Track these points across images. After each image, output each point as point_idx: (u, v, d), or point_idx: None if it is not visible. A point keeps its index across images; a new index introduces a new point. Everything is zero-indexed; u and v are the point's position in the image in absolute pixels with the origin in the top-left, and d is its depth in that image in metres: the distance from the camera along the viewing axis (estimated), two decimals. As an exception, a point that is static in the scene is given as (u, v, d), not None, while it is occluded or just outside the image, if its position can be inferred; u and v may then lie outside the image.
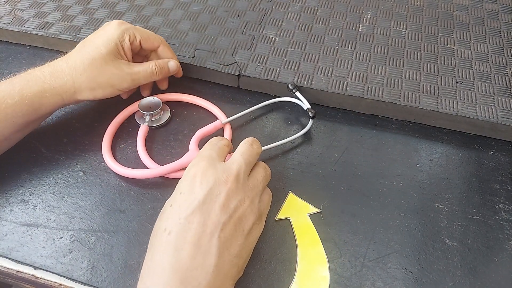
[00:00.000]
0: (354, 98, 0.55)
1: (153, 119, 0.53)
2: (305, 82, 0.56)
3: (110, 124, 0.52)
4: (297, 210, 0.46)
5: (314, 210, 0.47)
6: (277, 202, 0.47)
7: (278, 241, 0.44)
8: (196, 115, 0.56)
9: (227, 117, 0.53)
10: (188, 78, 0.59)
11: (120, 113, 0.53)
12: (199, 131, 0.51)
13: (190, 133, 0.53)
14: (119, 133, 0.53)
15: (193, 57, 0.58)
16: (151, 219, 0.46)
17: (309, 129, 0.52)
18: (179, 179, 0.41)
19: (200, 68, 0.58)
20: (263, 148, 0.46)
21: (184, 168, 0.47)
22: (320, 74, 0.56)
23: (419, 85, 0.55)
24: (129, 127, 0.54)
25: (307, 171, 0.50)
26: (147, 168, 0.48)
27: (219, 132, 0.54)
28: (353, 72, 0.57)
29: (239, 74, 0.57)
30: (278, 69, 0.57)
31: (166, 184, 0.49)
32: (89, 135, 0.53)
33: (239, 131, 0.54)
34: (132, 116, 0.55)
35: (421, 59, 0.59)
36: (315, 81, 0.56)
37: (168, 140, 0.52)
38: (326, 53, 0.60)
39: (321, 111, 0.57)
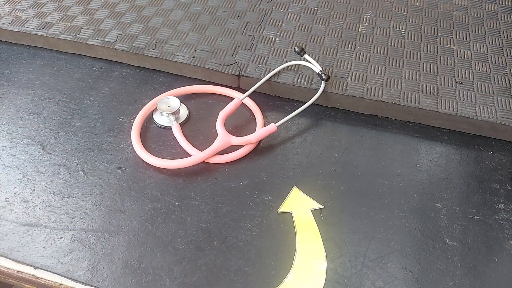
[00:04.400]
0: (354, 98, 0.55)
1: (177, 116, 0.54)
2: (305, 83, 0.56)
3: (133, 127, 0.53)
4: (300, 205, 0.46)
5: (317, 206, 0.46)
6: (280, 195, 0.47)
7: (278, 234, 0.44)
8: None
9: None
10: (187, 79, 0.60)
11: (138, 115, 0.54)
12: (222, 113, 0.52)
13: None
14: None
15: (193, 58, 0.58)
16: (151, 219, 0.46)
17: (322, 92, 0.52)
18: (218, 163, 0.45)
19: (200, 68, 0.58)
20: (278, 123, 0.49)
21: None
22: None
23: (418, 85, 0.55)
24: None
25: (307, 171, 0.50)
26: (190, 155, 0.50)
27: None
28: (353, 73, 0.57)
29: (239, 74, 0.56)
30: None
31: (166, 184, 0.49)
32: (91, 134, 0.53)
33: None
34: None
35: (420, 59, 0.58)
36: (315, 82, 0.56)
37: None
38: (326, 54, 0.59)
39: (321, 111, 0.56)
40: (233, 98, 0.56)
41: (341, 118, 0.56)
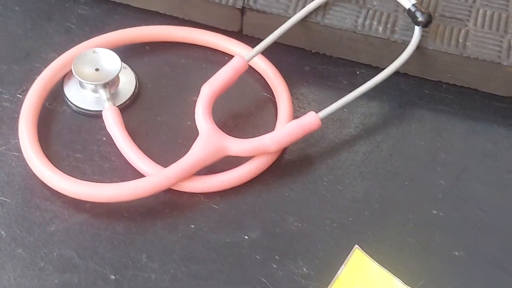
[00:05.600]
0: (482, 63, 0.52)
1: (114, 91, 0.52)
2: (380, 29, 0.52)
3: (22, 113, 0.49)
4: (369, 284, 0.45)
5: (404, 289, 0.46)
6: (326, 264, 0.46)
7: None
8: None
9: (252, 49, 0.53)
10: (137, 12, 0.57)
11: (33, 86, 0.51)
12: (207, 87, 0.50)
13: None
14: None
15: None
16: None
17: (415, 50, 0.51)
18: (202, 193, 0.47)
19: None
20: (323, 112, 0.48)
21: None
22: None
23: None
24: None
25: (382, 215, 0.48)
26: (144, 175, 0.48)
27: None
28: (479, 10, 0.54)
29: (243, 6, 0.54)
30: None
31: (92, 234, 0.46)
32: None
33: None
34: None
35: None
36: (401, 27, 0.52)
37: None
38: None
39: (412, 88, 0.54)
40: (231, 56, 0.53)
41: (453, 104, 0.54)
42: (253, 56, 0.51)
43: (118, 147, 0.49)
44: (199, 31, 0.56)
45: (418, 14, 0.50)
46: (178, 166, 0.46)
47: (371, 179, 0.49)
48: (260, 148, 0.48)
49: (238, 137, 0.50)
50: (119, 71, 0.51)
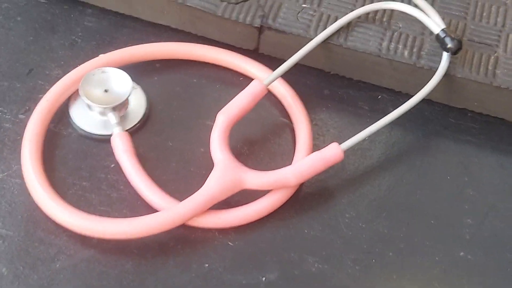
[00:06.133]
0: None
1: (123, 114, 0.51)
2: (406, 53, 0.51)
3: (25, 135, 0.48)
4: None
5: None
6: None
7: None
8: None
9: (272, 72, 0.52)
10: (150, 28, 0.55)
11: (38, 106, 0.50)
12: (223, 114, 0.49)
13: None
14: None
15: None
16: None
17: (443, 77, 0.50)
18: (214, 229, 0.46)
19: (176, 5, 0.53)
20: (347, 143, 0.48)
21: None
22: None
23: None
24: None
25: (409, 256, 0.46)
26: (154, 208, 0.47)
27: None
28: (508, 35, 0.53)
29: (261, 25, 0.52)
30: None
31: (99, 273, 0.44)
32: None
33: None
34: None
35: None
36: (428, 52, 0.51)
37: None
38: None
39: (438, 116, 0.53)
40: (247, 76, 0.53)
41: (480, 135, 0.53)
42: (272, 81, 0.49)
43: (127, 177, 0.47)
44: (215, 50, 0.54)
45: (447, 40, 0.49)
46: (192, 201, 0.45)
47: (395, 216, 0.48)
48: (280, 182, 0.47)
49: (254, 166, 0.48)
50: (130, 94, 0.48)
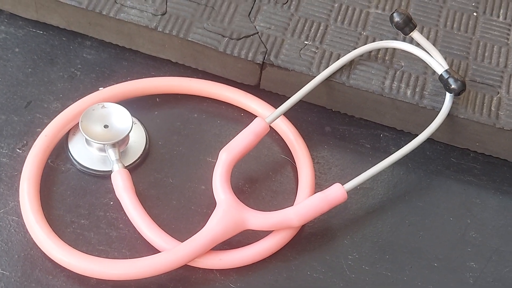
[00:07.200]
0: None
1: (123, 150, 0.51)
2: (409, 93, 0.51)
3: (23, 171, 0.48)
4: None
5: None
6: None
7: None
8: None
9: (275, 109, 0.51)
10: (151, 61, 0.55)
11: (37, 141, 0.49)
12: (226, 152, 0.48)
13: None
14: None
15: (162, 15, 0.53)
16: None
17: (447, 117, 0.50)
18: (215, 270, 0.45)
19: (177, 40, 0.53)
20: (350, 184, 0.47)
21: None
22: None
23: None
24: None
25: None
26: (154, 247, 0.47)
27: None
28: (511, 75, 0.53)
29: (263, 61, 0.52)
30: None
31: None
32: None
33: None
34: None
35: None
36: (431, 92, 0.51)
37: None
38: (454, 28, 0.55)
39: (441, 156, 0.53)
40: (248, 112, 0.53)
41: (482, 176, 0.52)
42: (275, 119, 0.49)
43: (128, 216, 0.47)
44: (217, 86, 0.54)
45: (451, 81, 0.48)
46: (194, 242, 0.45)
47: (399, 258, 0.48)
48: (283, 223, 0.46)
49: (255, 205, 0.48)
50: (130, 128, 0.48)
